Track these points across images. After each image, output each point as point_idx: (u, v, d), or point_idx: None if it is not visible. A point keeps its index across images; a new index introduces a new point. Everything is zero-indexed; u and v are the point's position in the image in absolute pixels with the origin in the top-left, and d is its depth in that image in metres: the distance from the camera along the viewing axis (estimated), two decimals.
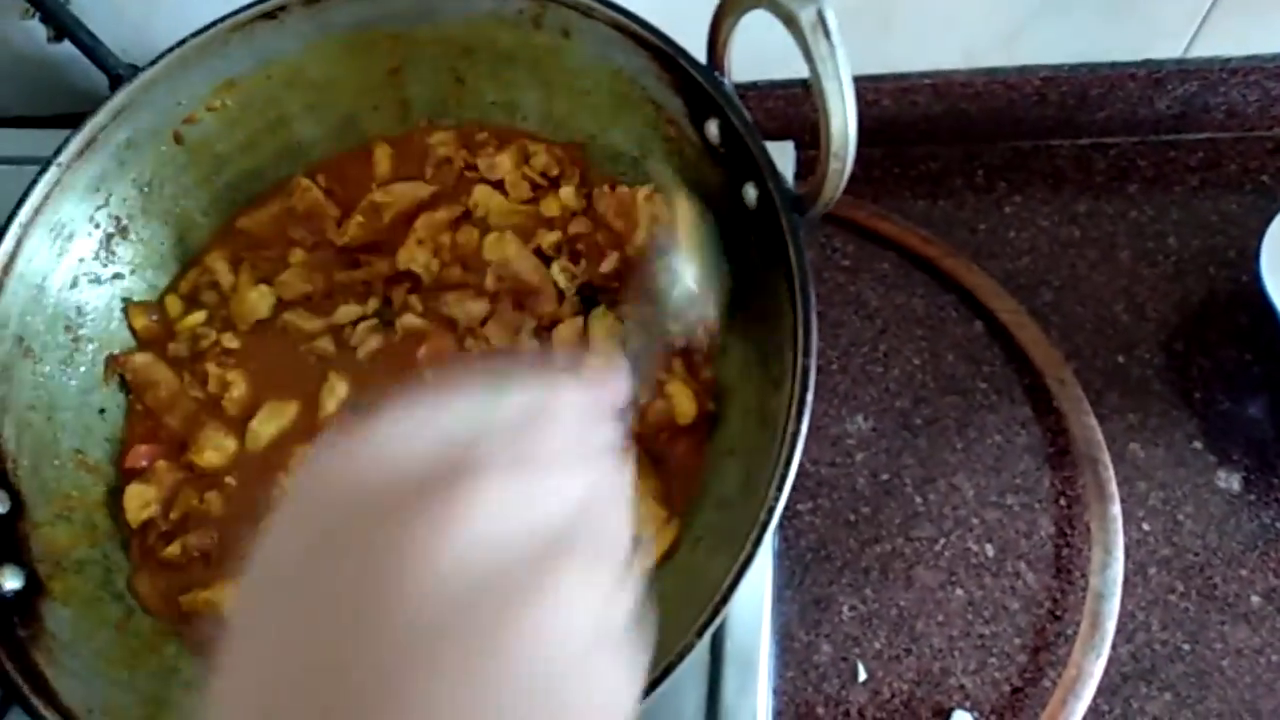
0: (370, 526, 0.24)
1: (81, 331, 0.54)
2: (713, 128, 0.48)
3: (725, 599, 0.40)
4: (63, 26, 0.59)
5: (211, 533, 0.51)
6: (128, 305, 0.56)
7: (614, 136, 0.55)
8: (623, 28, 0.49)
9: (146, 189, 0.55)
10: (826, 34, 0.37)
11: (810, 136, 0.69)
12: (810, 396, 0.42)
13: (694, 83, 0.48)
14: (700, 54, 0.47)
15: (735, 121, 0.46)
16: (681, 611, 0.42)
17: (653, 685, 0.39)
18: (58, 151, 0.50)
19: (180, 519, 0.52)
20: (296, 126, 0.58)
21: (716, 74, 0.47)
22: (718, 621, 0.39)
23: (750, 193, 0.46)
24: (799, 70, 0.38)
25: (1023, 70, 0.68)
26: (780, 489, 0.40)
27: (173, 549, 0.51)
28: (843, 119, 0.38)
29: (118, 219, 0.54)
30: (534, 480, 0.26)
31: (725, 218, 0.49)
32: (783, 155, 0.61)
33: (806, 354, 0.42)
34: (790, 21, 0.37)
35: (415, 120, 0.58)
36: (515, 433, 0.27)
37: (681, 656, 0.39)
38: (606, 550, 0.27)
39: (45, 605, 0.48)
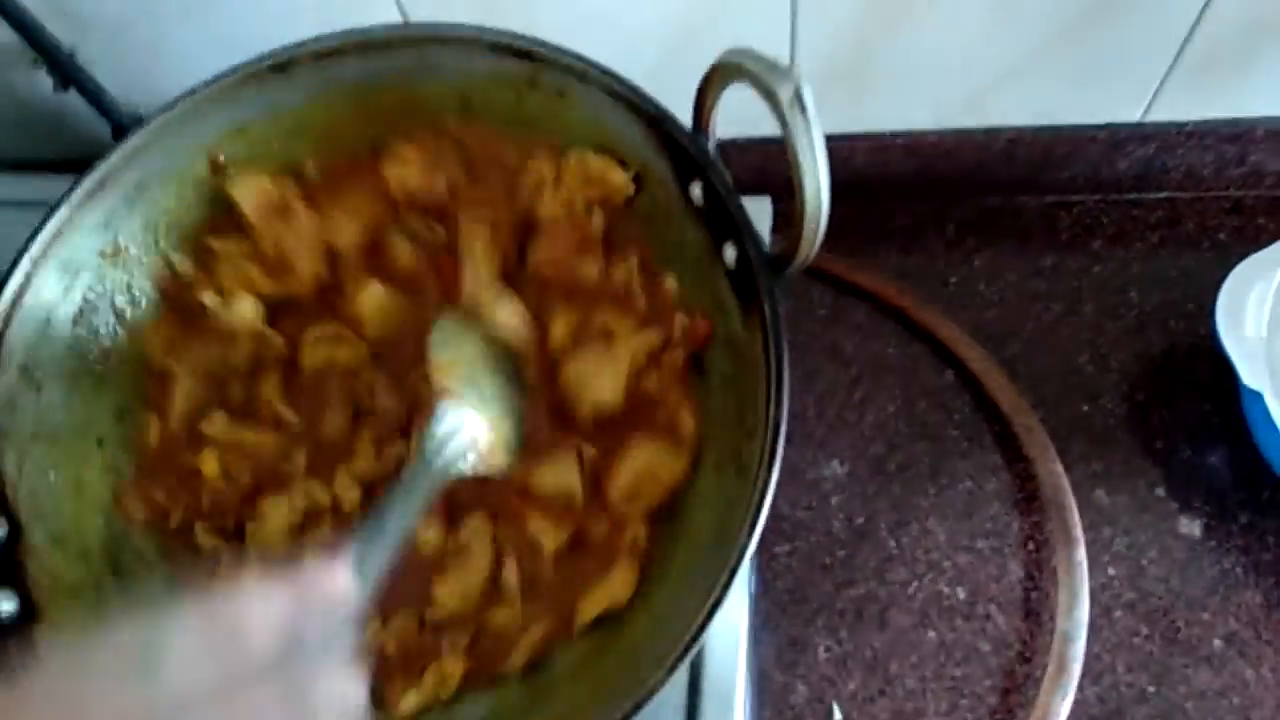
0: None
1: (84, 363, 0.55)
2: (696, 189, 0.50)
3: (695, 638, 0.41)
4: (69, 76, 0.61)
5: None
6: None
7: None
8: (614, 92, 0.51)
9: (153, 229, 0.57)
10: (803, 110, 0.40)
11: (787, 191, 0.73)
12: (781, 446, 0.44)
13: (680, 147, 0.50)
14: (682, 109, 0.50)
15: (717, 185, 0.48)
16: (654, 649, 0.43)
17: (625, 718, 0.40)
18: (70, 191, 0.52)
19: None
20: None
21: (701, 138, 0.49)
22: (688, 658, 0.41)
23: (730, 252, 0.49)
24: (776, 129, 0.41)
25: (990, 131, 0.71)
26: (750, 534, 0.42)
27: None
28: (816, 188, 0.41)
29: (124, 256, 0.56)
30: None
31: (706, 274, 0.51)
32: (760, 209, 0.63)
33: (779, 405, 0.44)
34: (770, 96, 0.40)
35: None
36: (216, 642, 0.29)
37: (651, 693, 0.40)
38: None
39: (39, 630, 0.48)
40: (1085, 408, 0.68)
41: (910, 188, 0.75)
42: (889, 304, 0.72)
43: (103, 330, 0.56)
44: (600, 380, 0.53)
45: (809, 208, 0.41)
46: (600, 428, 0.53)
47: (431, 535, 0.53)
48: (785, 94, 0.39)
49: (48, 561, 0.51)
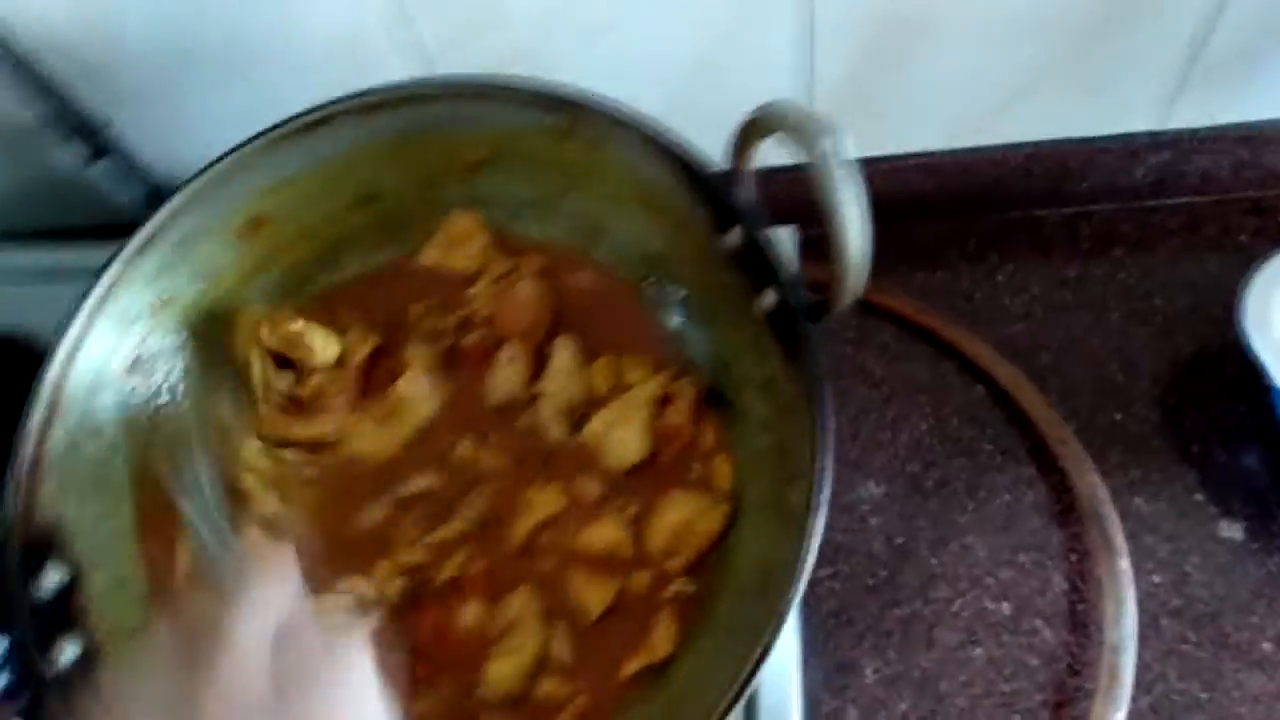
0: None
1: (142, 411, 0.57)
2: (734, 237, 0.51)
3: (742, 689, 0.41)
4: (103, 148, 0.63)
5: None
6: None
7: (644, 240, 0.59)
8: (652, 141, 0.52)
9: (200, 279, 0.58)
10: (842, 164, 0.40)
11: (806, 218, 0.73)
12: (827, 494, 0.44)
13: (718, 196, 0.51)
14: (702, 143, 0.51)
15: (755, 234, 0.49)
16: (700, 701, 0.44)
17: None
18: (121, 247, 0.54)
19: None
20: (341, 222, 0.61)
21: (738, 189, 0.50)
22: (735, 710, 0.41)
23: (769, 298, 0.49)
24: (794, 157, 0.42)
25: (1006, 148, 0.72)
26: (798, 584, 0.43)
27: None
28: (860, 242, 0.41)
29: (175, 308, 0.58)
30: None
31: (742, 316, 0.52)
32: (786, 238, 0.64)
33: (823, 452, 0.44)
34: (810, 150, 0.40)
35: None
36: None
37: None
38: None
39: (101, 672, 0.49)
40: (1118, 416, 0.68)
41: (929, 206, 0.76)
42: (915, 323, 0.73)
43: (160, 382, 0.57)
44: (622, 434, 0.54)
45: (852, 260, 0.41)
46: (633, 481, 0.54)
47: (471, 615, 0.53)
48: (826, 147, 0.40)
49: (109, 606, 0.51)
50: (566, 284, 0.60)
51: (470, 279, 0.61)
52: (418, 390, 0.56)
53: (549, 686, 0.52)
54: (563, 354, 0.57)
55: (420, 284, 0.61)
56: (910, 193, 0.75)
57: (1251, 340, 0.59)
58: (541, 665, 0.52)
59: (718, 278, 0.53)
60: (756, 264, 0.50)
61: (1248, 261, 0.63)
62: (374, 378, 0.59)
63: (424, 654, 0.52)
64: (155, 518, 0.55)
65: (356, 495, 0.57)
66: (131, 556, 0.54)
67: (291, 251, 0.61)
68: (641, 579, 0.53)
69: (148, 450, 0.56)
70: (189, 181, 0.54)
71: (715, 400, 0.57)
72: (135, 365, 0.56)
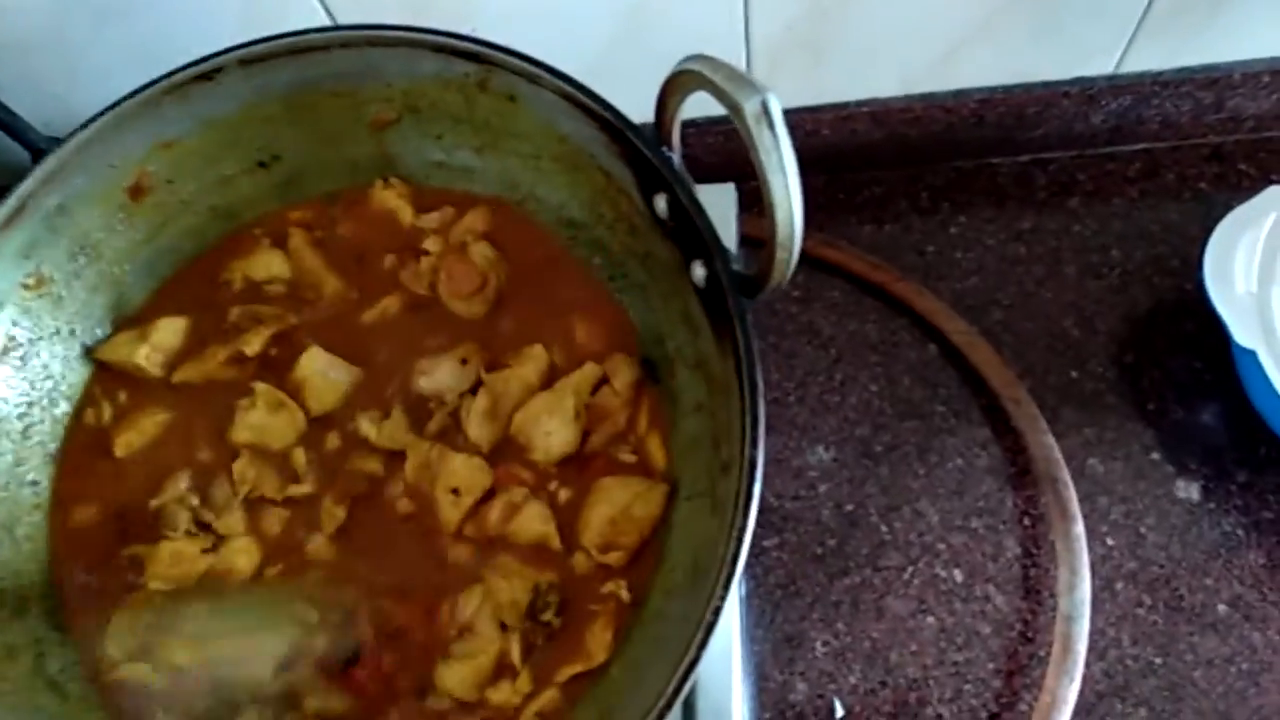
0: None
1: (8, 404, 0.52)
2: (661, 202, 0.47)
3: (669, 703, 0.39)
4: None
5: None
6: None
7: (566, 203, 0.55)
8: (569, 97, 0.48)
9: (80, 255, 0.53)
10: (771, 125, 0.36)
11: (751, 172, 0.70)
12: (757, 487, 0.41)
13: (642, 157, 0.47)
14: (636, 96, 0.47)
15: (684, 199, 0.45)
16: (631, 702, 0.41)
17: None
18: None
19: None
20: (237, 186, 0.56)
21: (664, 150, 0.46)
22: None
23: (699, 271, 0.46)
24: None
25: (959, 94, 0.68)
26: (726, 588, 0.39)
27: None
28: (788, 210, 0.37)
29: (49, 286, 0.53)
30: None
31: (674, 289, 0.48)
32: (724, 198, 0.60)
33: (754, 445, 0.41)
34: (734, 110, 0.36)
35: (361, 179, 0.57)
36: None
37: None
38: None
39: None
40: (1073, 374, 0.66)
41: (879, 157, 0.72)
42: (865, 279, 0.69)
43: (39, 376, 0.53)
44: (549, 426, 0.51)
45: (780, 232, 0.37)
46: (565, 469, 0.51)
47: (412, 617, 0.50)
48: (751, 108, 0.36)
49: None
50: (511, 245, 0.56)
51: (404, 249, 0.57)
52: (318, 369, 0.52)
53: (500, 696, 0.49)
54: (529, 368, 0.53)
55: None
56: (859, 143, 0.71)
57: (1214, 299, 0.57)
58: (498, 672, 0.49)
59: (646, 246, 0.50)
60: (686, 233, 0.46)
61: (1208, 210, 0.60)
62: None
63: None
64: None
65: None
66: (6, 567, 0.51)
67: (181, 220, 0.56)
68: (579, 580, 0.50)
69: (22, 449, 0.52)
70: (62, 142, 0.49)
71: (650, 378, 0.53)
72: (5, 353, 0.51)
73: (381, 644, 0.48)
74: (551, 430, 0.50)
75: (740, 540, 0.39)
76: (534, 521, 0.50)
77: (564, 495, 0.51)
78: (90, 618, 0.50)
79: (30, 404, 0.53)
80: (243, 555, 0.51)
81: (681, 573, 0.47)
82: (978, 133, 0.70)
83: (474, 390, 0.52)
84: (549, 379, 0.52)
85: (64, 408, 0.54)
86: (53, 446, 0.54)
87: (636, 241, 0.50)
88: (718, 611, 0.39)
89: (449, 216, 0.56)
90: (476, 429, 0.51)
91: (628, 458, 0.51)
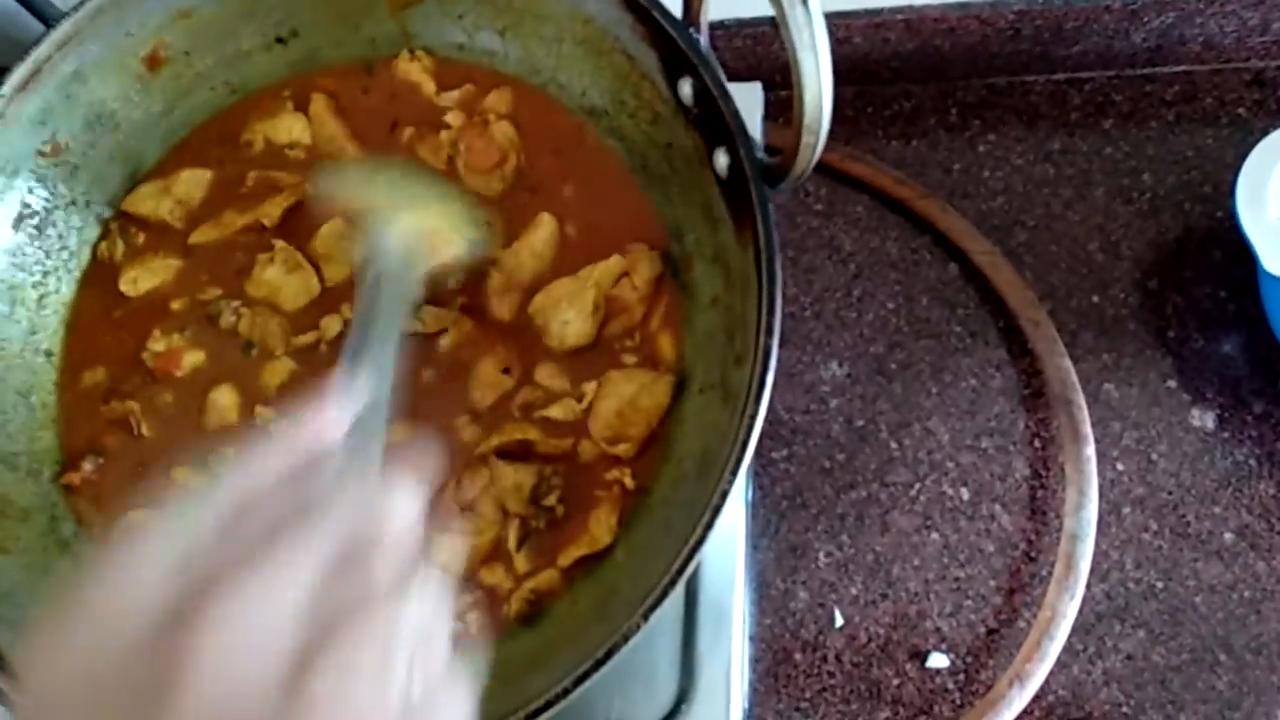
0: (125, 672, 0.24)
1: (24, 272, 0.53)
2: (686, 87, 0.46)
3: (673, 582, 0.39)
4: None
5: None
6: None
7: (588, 89, 0.53)
8: None
9: (97, 124, 0.53)
10: (804, 2, 0.35)
11: (780, 77, 0.68)
12: (771, 377, 0.40)
13: (668, 38, 0.46)
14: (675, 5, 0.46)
15: (709, 83, 0.44)
16: (635, 589, 0.41)
17: (597, 665, 0.39)
18: None
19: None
20: (254, 62, 0.55)
21: (692, 31, 0.45)
22: (666, 601, 0.39)
23: (721, 160, 0.45)
24: (767, 8, 0.37)
25: (996, 4, 0.66)
26: (735, 473, 0.39)
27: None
28: (817, 92, 0.36)
29: (65, 155, 0.52)
30: (263, 574, 0.24)
31: (695, 180, 0.47)
32: (751, 97, 0.59)
33: (769, 333, 0.40)
34: None
35: (378, 56, 0.56)
36: (229, 527, 0.26)
37: (626, 638, 0.38)
38: (370, 622, 0.25)
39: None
40: (1095, 298, 0.65)
41: (911, 69, 0.71)
42: (889, 195, 0.68)
43: (54, 246, 0.53)
44: (568, 315, 0.50)
45: (809, 115, 0.37)
46: (575, 361, 0.51)
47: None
48: None
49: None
50: (533, 129, 0.55)
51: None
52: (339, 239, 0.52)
53: (494, 577, 0.50)
54: (537, 235, 0.52)
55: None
56: (890, 52, 0.69)
57: (1244, 222, 0.55)
58: (493, 554, 0.50)
59: (668, 135, 0.49)
60: (710, 119, 0.45)
61: (1244, 137, 0.59)
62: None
63: None
64: None
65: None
66: (21, 431, 0.51)
67: (197, 94, 0.55)
68: (581, 464, 0.50)
69: (37, 317, 0.52)
70: (79, 6, 0.48)
71: (670, 273, 0.53)
72: (20, 221, 0.51)
73: None
74: (569, 320, 0.50)
75: (751, 427, 0.39)
76: (556, 412, 0.50)
77: (575, 391, 0.51)
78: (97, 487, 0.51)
79: (45, 273, 0.53)
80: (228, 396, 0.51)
81: (690, 462, 0.47)
82: (1013, 46, 0.68)
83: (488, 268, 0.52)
84: (562, 255, 0.52)
85: (75, 277, 0.54)
86: (67, 316, 0.54)
87: (658, 130, 0.49)
88: (725, 495, 0.39)
89: (471, 94, 0.55)
90: (496, 304, 0.51)
91: (637, 351, 0.51)
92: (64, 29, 0.48)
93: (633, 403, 0.49)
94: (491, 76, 0.55)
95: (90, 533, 0.51)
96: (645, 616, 0.39)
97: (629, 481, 0.48)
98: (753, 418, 0.40)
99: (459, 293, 0.52)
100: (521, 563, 0.48)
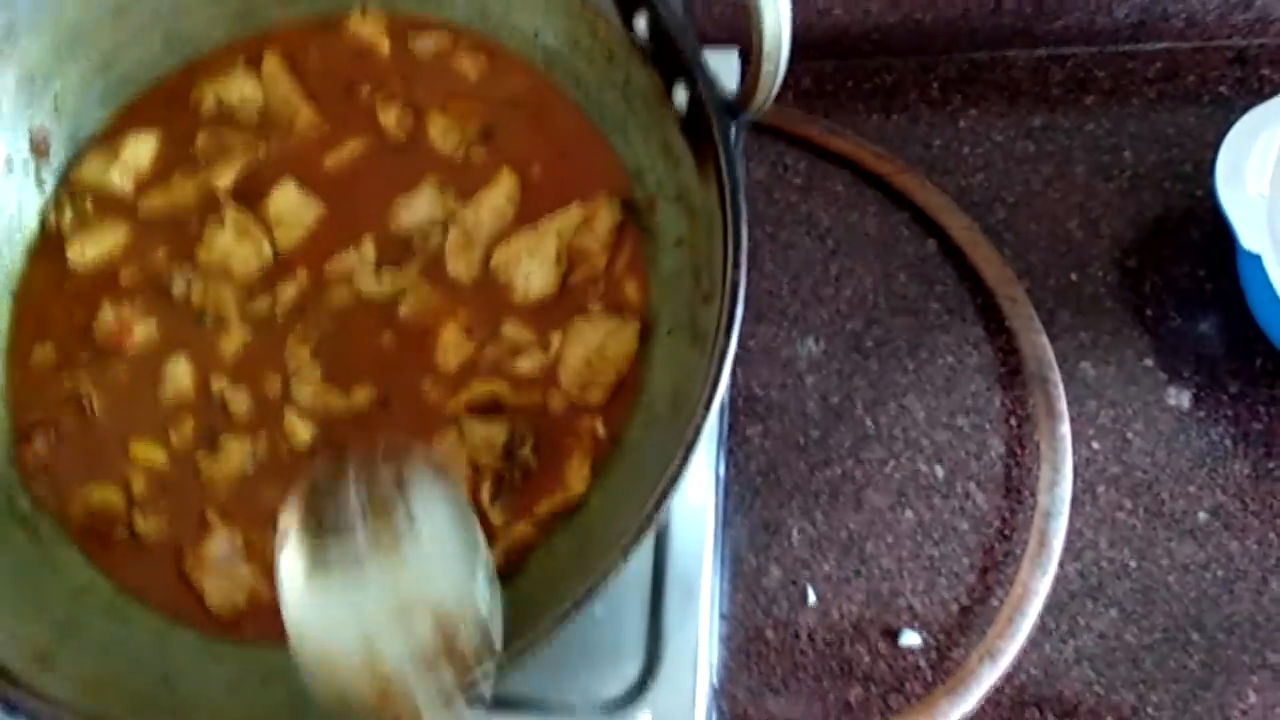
0: None
1: None
2: (641, 22, 0.45)
3: (649, 522, 0.38)
4: None
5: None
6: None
7: (540, 29, 0.52)
8: None
9: (30, 83, 0.51)
10: None
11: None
12: (739, 311, 0.40)
13: None
14: None
15: (664, 16, 0.43)
16: (609, 533, 0.41)
17: (577, 605, 0.38)
18: None
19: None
20: (192, 13, 0.54)
21: None
22: (642, 542, 0.38)
23: (680, 95, 0.44)
24: None
25: None
26: (708, 408, 0.39)
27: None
28: (775, 14, 0.36)
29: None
30: None
31: (654, 120, 0.47)
32: (725, 63, 0.58)
33: (736, 266, 0.40)
34: None
35: (323, 7, 0.55)
36: None
37: (605, 576, 0.38)
38: None
39: None
40: (1073, 276, 0.64)
41: (892, 42, 0.70)
42: (868, 170, 0.67)
43: None
44: (530, 268, 0.49)
45: (767, 40, 0.36)
46: (540, 311, 0.50)
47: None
48: None
49: None
50: (489, 80, 0.54)
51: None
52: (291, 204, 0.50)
53: None
54: (497, 191, 0.51)
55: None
56: (871, 25, 0.68)
57: (1223, 199, 0.55)
58: None
59: (625, 75, 0.48)
60: (666, 54, 0.44)
61: (1226, 115, 0.58)
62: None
63: None
64: None
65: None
66: None
67: (133, 50, 0.54)
68: (554, 414, 0.49)
69: None
70: None
71: (631, 218, 0.52)
72: None
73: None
74: (531, 272, 0.49)
75: (722, 363, 0.39)
76: (524, 365, 0.49)
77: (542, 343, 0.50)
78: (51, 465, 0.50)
79: None
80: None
81: (662, 404, 0.46)
82: (995, 21, 0.68)
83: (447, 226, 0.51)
84: (522, 208, 0.51)
85: (21, 246, 0.53)
86: (15, 287, 0.52)
87: (614, 70, 0.49)
88: (698, 430, 0.38)
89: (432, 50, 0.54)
90: (454, 264, 0.50)
91: (601, 298, 0.50)
92: None
93: (600, 350, 0.48)
94: (442, 25, 0.54)
95: (46, 510, 0.50)
96: (625, 555, 0.38)
97: (600, 429, 0.48)
98: (723, 352, 0.39)
99: (416, 252, 0.51)
100: (496, 517, 0.48)
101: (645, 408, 0.48)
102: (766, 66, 0.37)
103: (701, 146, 0.43)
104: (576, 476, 0.48)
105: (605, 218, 0.50)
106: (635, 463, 0.47)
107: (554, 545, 0.48)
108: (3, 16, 0.49)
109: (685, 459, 0.38)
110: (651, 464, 0.41)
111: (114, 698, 0.44)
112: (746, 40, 0.64)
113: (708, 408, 0.39)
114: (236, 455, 0.49)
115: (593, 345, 0.48)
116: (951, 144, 0.68)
